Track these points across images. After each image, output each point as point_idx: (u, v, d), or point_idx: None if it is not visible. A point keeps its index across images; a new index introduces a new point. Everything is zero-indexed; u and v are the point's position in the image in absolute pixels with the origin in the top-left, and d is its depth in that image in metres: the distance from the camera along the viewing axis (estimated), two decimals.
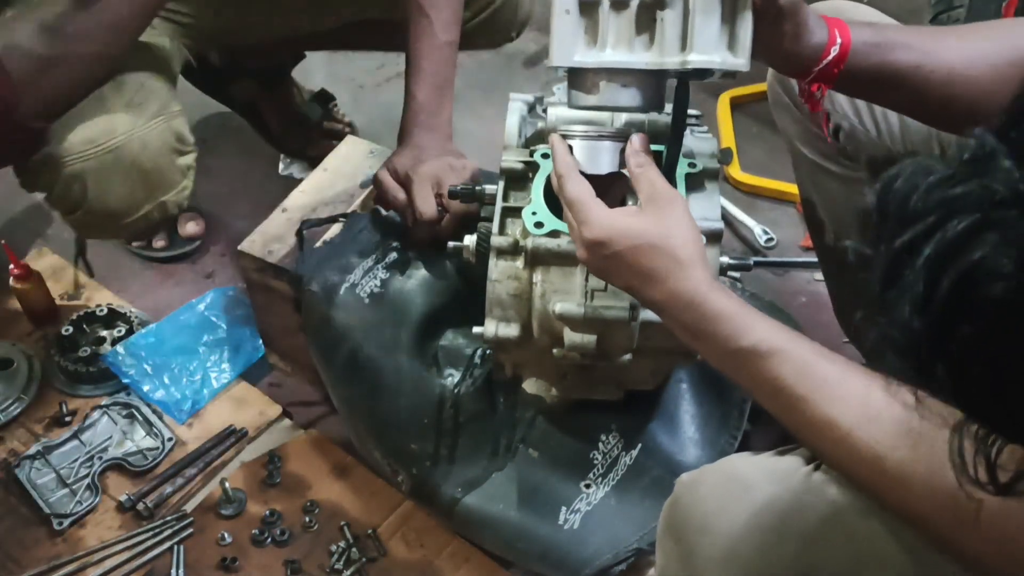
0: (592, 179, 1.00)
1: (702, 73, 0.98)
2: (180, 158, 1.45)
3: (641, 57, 0.98)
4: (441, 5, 1.50)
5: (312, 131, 2.06)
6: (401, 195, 1.44)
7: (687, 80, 1.00)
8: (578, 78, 1.00)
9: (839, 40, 1.01)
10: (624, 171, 1.01)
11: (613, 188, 1.00)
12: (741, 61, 0.96)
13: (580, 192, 0.97)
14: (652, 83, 1.01)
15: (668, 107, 1.18)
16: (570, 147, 1.01)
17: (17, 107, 1.27)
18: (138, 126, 1.38)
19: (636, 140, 1.00)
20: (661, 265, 0.92)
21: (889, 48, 1.04)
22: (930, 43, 1.06)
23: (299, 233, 1.53)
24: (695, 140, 1.25)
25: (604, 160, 1.01)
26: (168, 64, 1.53)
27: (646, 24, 0.97)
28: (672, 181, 1.13)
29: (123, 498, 1.52)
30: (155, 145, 1.39)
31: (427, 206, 1.41)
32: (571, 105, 1.01)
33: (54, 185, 1.39)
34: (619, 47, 0.98)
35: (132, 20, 1.38)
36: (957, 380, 0.59)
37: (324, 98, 2.11)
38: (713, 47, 0.95)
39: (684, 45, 0.95)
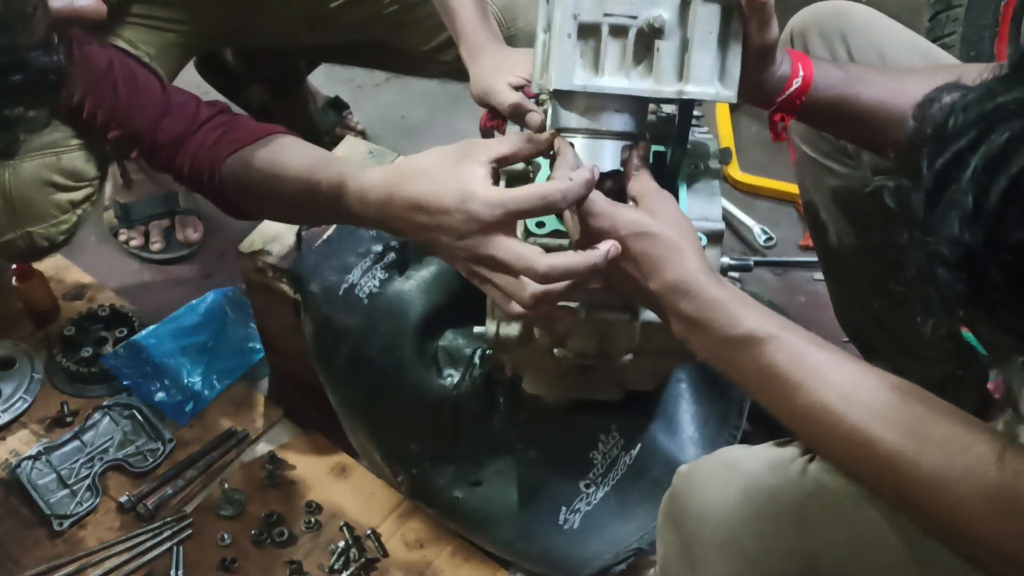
0: None
1: (693, 102, 1.04)
2: (60, 193, 1.41)
3: (638, 84, 1.01)
4: None
5: (321, 141, 2.07)
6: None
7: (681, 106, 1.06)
8: (571, 101, 1.02)
9: (801, 72, 1.08)
10: (621, 169, 1.03)
11: (605, 186, 1.01)
12: (731, 93, 1.02)
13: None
14: (643, 110, 1.05)
15: (670, 108, 1.19)
16: (571, 144, 1.02)
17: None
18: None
19: (638, 150, 1.03)
20: (660, 254, 0.94)
21: (851, 82, 1.09)
22: (893, 81, 1.11)
23: (298, 233, 1.53)
24: (695, 140, 1.26)
25: (606, 158, 1.02)
26: None
27: (641, 53, 1.00)
28: (675, 182, 1.14)
29: (123, 499, 1.52)
30: (26, 176, 1.36)
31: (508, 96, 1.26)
32: (558, 126, 1.03)
33: None
34: (617, 74, 1.01)
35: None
36: (1014, 287, 0.60)
37: (338, 105, 2.12)
38: (707, 79, 1.00)
39: (680, 75, 1.00)
